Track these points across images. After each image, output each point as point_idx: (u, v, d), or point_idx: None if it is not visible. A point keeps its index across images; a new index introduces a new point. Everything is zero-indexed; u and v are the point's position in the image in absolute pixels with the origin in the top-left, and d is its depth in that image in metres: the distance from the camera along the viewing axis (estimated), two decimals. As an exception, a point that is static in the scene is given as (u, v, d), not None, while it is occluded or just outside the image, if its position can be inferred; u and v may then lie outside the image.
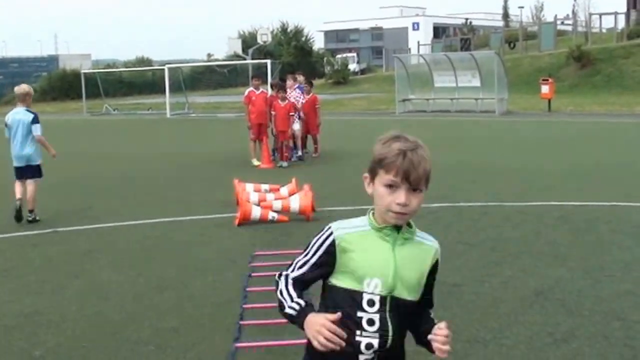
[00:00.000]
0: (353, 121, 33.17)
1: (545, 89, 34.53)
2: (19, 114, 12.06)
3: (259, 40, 48.35)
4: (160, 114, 41.64)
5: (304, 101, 19.63)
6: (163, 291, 7.90)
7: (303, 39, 78.84)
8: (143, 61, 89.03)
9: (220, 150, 21.68)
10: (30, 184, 12.07)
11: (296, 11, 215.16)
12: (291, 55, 73.19)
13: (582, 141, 22.18)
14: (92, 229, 11.36)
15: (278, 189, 12.97)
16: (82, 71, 50.08)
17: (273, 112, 18.13)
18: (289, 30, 78.57)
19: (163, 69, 43.70)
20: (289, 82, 19.70)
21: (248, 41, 60.05)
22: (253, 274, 8.30)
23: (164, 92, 42.63)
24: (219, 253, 9.55)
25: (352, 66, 72.07)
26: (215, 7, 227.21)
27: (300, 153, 19.10)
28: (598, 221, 10.75)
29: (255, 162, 18.08)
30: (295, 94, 19.59)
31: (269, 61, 35.76)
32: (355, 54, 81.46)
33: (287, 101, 18.26)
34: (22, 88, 12.35)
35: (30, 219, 11.95)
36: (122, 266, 9.03)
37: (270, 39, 50.44)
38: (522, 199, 12.64)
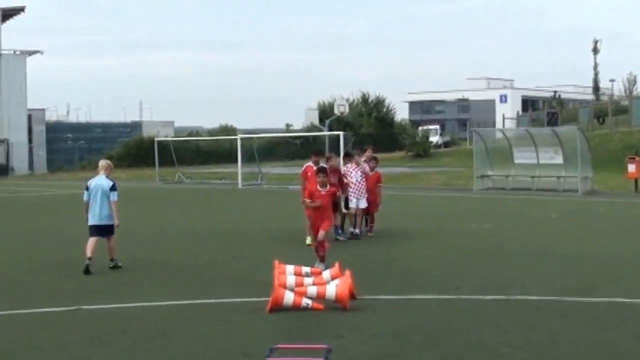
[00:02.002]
0: (425, 197, 32.18)
1: (631, 167, 32.88)
2: (100, 180, 14.04)
3: (335, 111, 47.96)
4: (233, 184, 41.38)
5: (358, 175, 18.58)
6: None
7: (384, 109, 78.36)
8: (227, 129, 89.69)
9: (280, 225, 20.84)
10: (109, 240, 14.01)
11: (380, 81, 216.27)
12: (371, 126, 72.71)
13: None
14: (116, 309, 10.77)
15: (320, 273, 12.07)
16: (156, 139, 50.41)
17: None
18: (369, 100, 78.23)
19: (240, 139, 43.59)
20: (355, 159, 18.71)
21: (327, 111, 59.78)
22: (265, 372, 7.46)
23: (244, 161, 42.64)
24: (236, 343, 8.78)
25: (434, 139, 71.19)
26: (299, 76, 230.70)
27: (357, 231, 18.11)
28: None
29: (309, 241, 17.18)
30: (360, 168, 18.65)
31: (342, 133, 35.13)
32: (438, 126, 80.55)
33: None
34: (106, 162, 14.58)
35: (112, 265, 13.97)
36: (128, 354, 8.34)
37: (347, 110, 49.96)
38: (586, 293, 11.43)
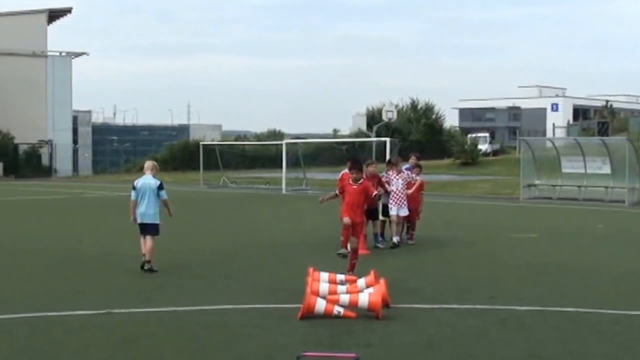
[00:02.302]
0: (470, 206, 31.90)
1: (681, 178, 32.30)
2: (148, 180, 14.37)
3: (383, 117, 47.81)
4: (277, 189, 41.42)
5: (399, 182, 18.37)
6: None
7: (433, 116, 77.85)
8: (275, 134, 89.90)
9: (321, 231, 20.69)
10: (149, 239, 14.16)
11: (430, 87, 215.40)
12: (420, 133, 72.29)
13: None
14: (146, 313, 10.73)
15: (355, 280, 11.94)
16: (202, 143, 50.65)
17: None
18: (419, 107, 77.79)
19: (286, 144, 43.65)
20: (397, 166, 18.50)
21: (376, 117, 59.58)
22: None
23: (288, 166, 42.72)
24: (264, 349, 8.70)
25: (483, 146, 70.49)
26: (350, 81, 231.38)
27: (398, 239, 17.88)
28: None
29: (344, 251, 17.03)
30: (403, 175, 18.45)
31: (388, 139, 34.94)
32: (487, 134, 79.75)
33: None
34: (152, 162, 14.94)
35: (146, 268, 14.00)
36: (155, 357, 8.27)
37: (395, 116, 49.74)
38: (624, 306, 11.16)
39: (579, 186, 34.73)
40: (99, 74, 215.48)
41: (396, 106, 62.42)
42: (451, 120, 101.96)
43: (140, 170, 14.83)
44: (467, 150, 61.06)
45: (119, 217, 26.12)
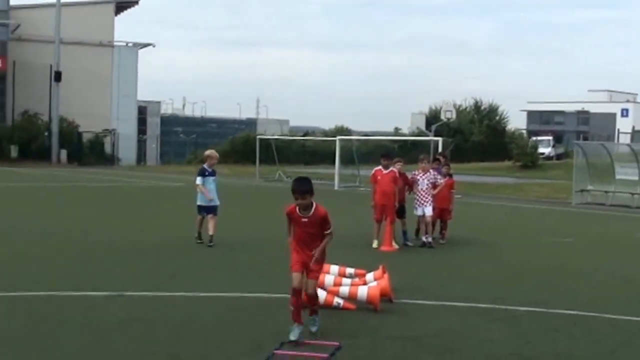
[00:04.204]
0: (518, 208, 31.69)
1: None
2: (209, 168, 16.79)
3: (442, 117, 47.79)
4: (330, 184, 41.70)
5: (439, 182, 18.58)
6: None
7: (497, 118, 77.23)
8: (342, 130, 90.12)
9: (358, 227, 20.74)
10: (212, 218, 16.41)
11: (497, 89, 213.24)
12: (482, 134, 71.80)
13: None
14: (156, 297, 11.17)
15: (364, 274, 12.20)
16: (258, 137, 51.22)
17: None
18: (482, 108, 77.24)
19: (339, 140, 43.94)
20: (423, 164, 18.67)
21: (438, 117, 59.47)
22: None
23: (342, 163, 42.96)
24: (253, 336, 9.03)
25: (546, 150, 69.76)
26: (417, 79, 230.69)
27: (430, 239, 17.99)
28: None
29: (375, 244, 17.30)
30: (429, 175, 18.62)
31: (440, 139, 35.03)
32: (550, 138, 78.86)
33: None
34: (212, 151, 17.41)
35: (210, 244, 16.17)
36: (145, 340, 8.75)
37: (454, 116, 49.64)
38: (627, 311, 11.14)
39: (632, 193, 34.22)
40: (169, 65, 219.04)
41: (459, 107, 62.08)
42: (518, 123, 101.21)
43: (201, 162, 16.73)
44: (527, 153, 60.55)
45: (169, 205, 26.80)
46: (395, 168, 17.73)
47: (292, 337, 8.78)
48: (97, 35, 65.86)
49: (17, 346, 8.42)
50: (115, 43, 68.24)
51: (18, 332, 8.99)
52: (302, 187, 9.22)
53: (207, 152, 17.42)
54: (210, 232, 16.33)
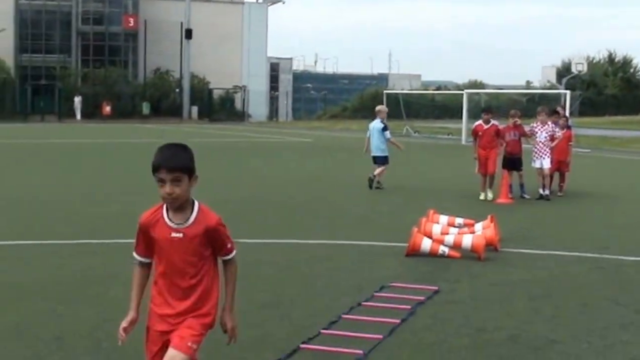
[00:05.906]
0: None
1: None
2: (376, 124, 19.26)
3: (573, 70, 46.82)
4: (457, 139, 41.60)
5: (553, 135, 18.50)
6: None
7: (631, 70, 74.61)
8: (476, 85, 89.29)
9: (471, 180, 20.79)
10: (379, 167, 18.88)
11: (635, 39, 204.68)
12: (616, 87, 69.59)
13: None
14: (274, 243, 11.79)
15: (473, 224, 12.50)
16: (385, 91, 51.36)
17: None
18: (616, 60, 74.74)
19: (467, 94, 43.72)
20: (541, 117, 18.64)
21: (570, 69, 58.16)
22: (363, 303, 8.30)
23: (471, 117, 42.70)
24: (356, 281, 9.48)
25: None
26: (558, 31, 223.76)
27: (547, 192, 18.00)
28: None
29: (482, 197, 17.51)
30: (547, 128, 18.58)
31: (568, 92, 34.46)
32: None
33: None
34: (382, 107, 20.61)
35: (378, 186, 18.61)
36: (254, 278, 9.29)
37: (585, 69, 48.48)
38: None
39: None
40: (300, 22, 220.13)
41: (592, 59, 60.41)
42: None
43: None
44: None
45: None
46: (512, 120, 17.97)
47: None
48: (227, -7, 67.15)
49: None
50: (245, 0, 69.20)
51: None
52: (173, 160, 4.60)
53: (379, 108, 20.24)
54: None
